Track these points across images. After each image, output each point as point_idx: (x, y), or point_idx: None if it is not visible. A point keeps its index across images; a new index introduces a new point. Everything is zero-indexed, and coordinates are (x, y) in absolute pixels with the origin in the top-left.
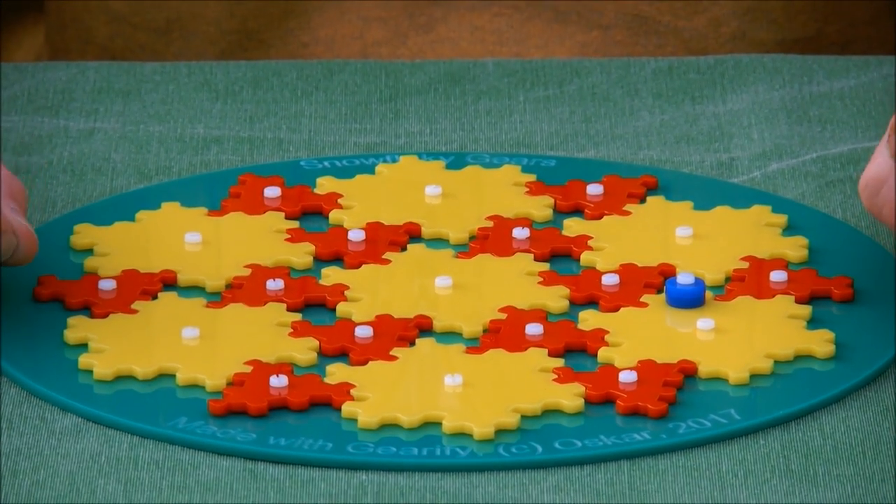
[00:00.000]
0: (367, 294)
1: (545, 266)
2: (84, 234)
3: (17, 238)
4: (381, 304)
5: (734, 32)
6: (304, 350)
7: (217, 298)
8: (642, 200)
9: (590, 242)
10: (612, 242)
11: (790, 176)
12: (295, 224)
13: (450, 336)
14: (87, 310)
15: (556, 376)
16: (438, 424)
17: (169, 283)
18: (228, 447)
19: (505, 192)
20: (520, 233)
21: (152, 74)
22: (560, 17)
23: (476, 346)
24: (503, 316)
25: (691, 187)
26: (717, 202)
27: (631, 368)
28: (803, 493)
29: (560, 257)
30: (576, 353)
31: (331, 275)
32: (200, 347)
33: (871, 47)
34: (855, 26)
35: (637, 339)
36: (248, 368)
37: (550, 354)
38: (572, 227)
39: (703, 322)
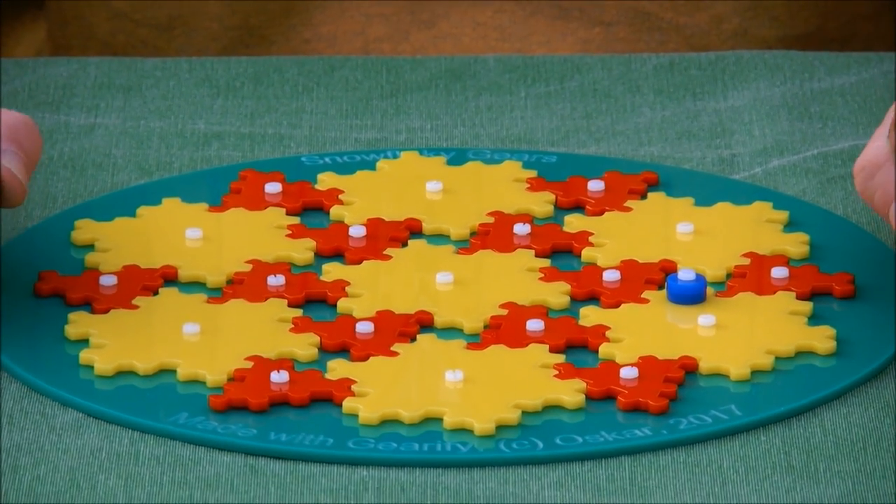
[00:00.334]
0: (368, 290)
1: (546, 262)
2: (85, 230)
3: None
4: (382, 299)
5: (736, 29)
6: (304, 346)
7: (218, 294)
8: (643, 196)
9: (591, 238)
10: (613, 238)
11: (791, 172)
12: (296, 220)
13: (451, 332)
14: (87, 305)
15: (556, 372)
16: (439, 420)
17: (170, 278)
18: (229, 443)
19: (506, 188)
20: (521, 229)
21: (153, 70)
22: (562, 13)
23: (477, 341)
24: (504, 312)
25: (692, 183)
26: (718, 198)
27: (632, 364)
28: (804, 490)
29: (561, 253)
30: (577, 349)
31: (332, 270)
32: (201, 343)
33: (872, 43)
34: (855, 22)
35: (638, 335)
36: (249, 364)
37: (551, 350)
38: (573, 223)
39: (704, 318)
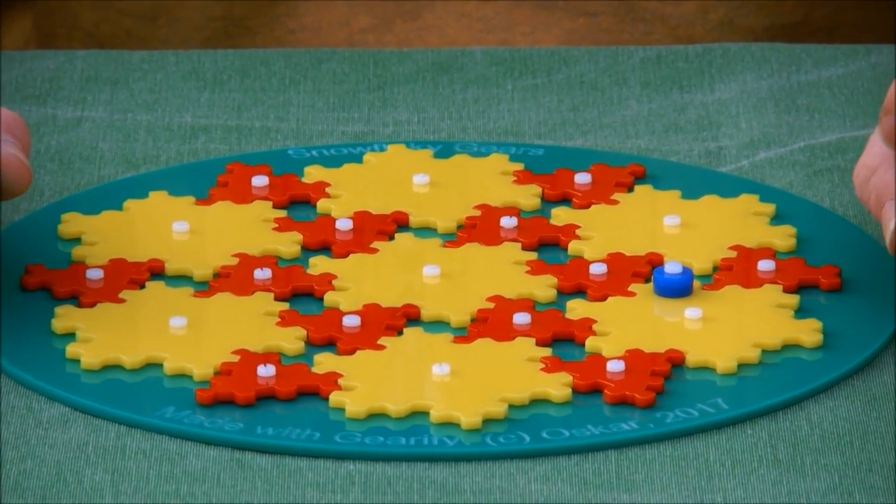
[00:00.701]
0: (355, 283)
1: (533, 255)
2: (72, 223)
3: (8, 171)
4: (369, 293)
5: (721, 19)
6: (291, 339)
7: (204, 287)
8: (630, 189)
9: (578, 231)
10: (600, 231)
11: (778, 165)
12: (282, 213)
13: (437, 325)
14: (74, 299)
15: (543, 366)
16: (426, 414)
17: (156, 272)
18: (216, 437)
19: (493, 181)
20: (507, 222)
21: (140, 63)
22: (547, 4)
23: (464, 335)
24: (491, 305)
25: (679, 176)
26: (705, 191)
27: (618, 358)
28: (791, 483)
29: (548, 246)
30: (563, 342)
31: (318, 264)
32: (188, 337)
33: (859, 32)
34: (842, 11)
35: (625, 328)
36: (236, 358)
37: (538, 344)
38: (560, 216)
39: (690, 311)
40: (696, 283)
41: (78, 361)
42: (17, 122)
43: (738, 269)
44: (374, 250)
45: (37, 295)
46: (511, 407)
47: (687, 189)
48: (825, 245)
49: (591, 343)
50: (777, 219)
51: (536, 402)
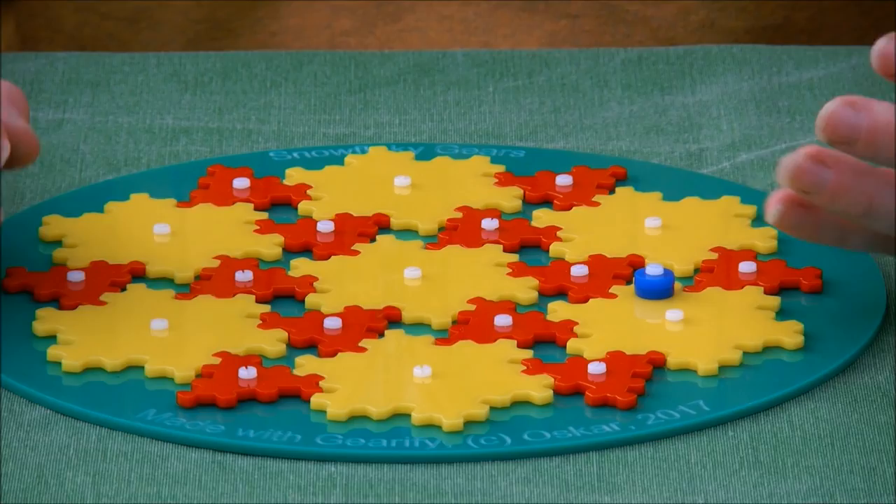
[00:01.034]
0: (336, 285)
1: (514, 257)
2: (53, 226)
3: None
4: (350, 295)
5: (703, 21)
6: (272, 342)
7: (186, 290)
8: (611, 191)
9: (559, 233)
10: (582, 233)
11: (759, 166)
12: (264, 215)
13: (419, 327)
14: (55, 301)
15: (524, 367)
16: (407, 416)
17: (138, 274)
18: (197, 439)
19: (474, 182)
20: (489, 224)
21: (121, 65)
22: (528, 6)
23: (445, 337)
24: (472, 307)
25: (660, 178)
26: (687, 193)
27: (600, 360)
28: (772, 484)
29: (529, 248)
30: (545, 344)
31: (300, 266)
32: (169, 339)
33: (841, 33)
34: (824, 13)
35: (606, 330)
36: (217, 360)
37: (519, 346)
38: (541, 217)
39: (671, 313)
40: (678, 285)
41: (59, 364)
42: (17, 92)
43: (719, 270)
44: (356, 252)
45: (18, 297)
46: (492, 409)
47: (668, 191)
48: (806, 247)
49: (572, 345)
50: (758, 220)
51: (518, 404)
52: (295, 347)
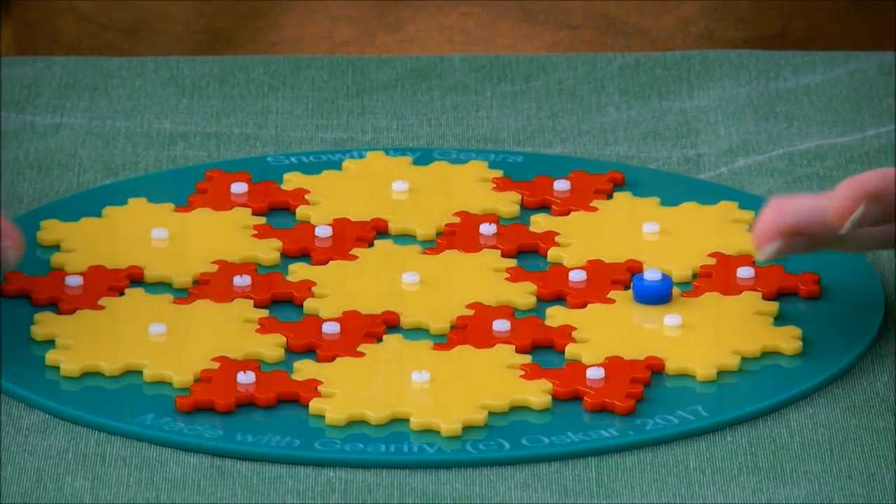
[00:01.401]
0: (334, 290)
1: (512, 262)
2: (51, 230)
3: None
4: (349, 300)
5: (702, 32)
6: (271, 346)
7: (184, 294)
8: (609, 196)
9: (557, 238)
10: (579, 238)
11: (757, 172)
12: (262, 220)
13: (417, 332)
14: (53, 306)
15: (523, 373)
16: (406, 421)
17: (136, 279)
18: (195, 444)
19: (472, 187)
20: (487, 229)
21: (119, 70)
22: (528, 16)
23: (443, 342)
24: (470, 312)
25: (658, 183)
26: (684, 198)
27: (598, 365)
28: (770, 490)
29: (527, 253)
30: (543, 349)
31: (298, 271)
32: (167, 344)
33: (837, 44)
34: (820, 23)
35: (604, 335)
36: (216, 365)
37: (518, 351)
38: (539, 223)
39: (670, 318)
40: (676, 290)
41: (57, 368)
42: None
43: (717, 275)
44: (354, 257)
45: (16, 302)
46: (491, 414)
47: (666, 196)
48: None
49: (570, 350)
50: None
51: (516, 409)
52: (293, 352)
